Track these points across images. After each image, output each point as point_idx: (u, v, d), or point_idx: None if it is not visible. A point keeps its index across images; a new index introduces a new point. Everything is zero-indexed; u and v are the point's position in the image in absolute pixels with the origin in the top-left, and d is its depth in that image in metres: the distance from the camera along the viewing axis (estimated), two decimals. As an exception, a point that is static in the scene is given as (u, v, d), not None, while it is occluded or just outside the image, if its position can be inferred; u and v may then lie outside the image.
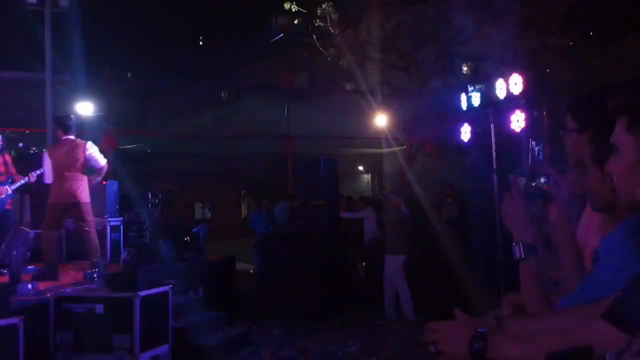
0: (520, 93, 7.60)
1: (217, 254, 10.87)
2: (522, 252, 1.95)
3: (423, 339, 1.76)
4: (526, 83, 7.56)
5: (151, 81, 19.64)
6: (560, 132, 2.03)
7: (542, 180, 2.06)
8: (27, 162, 8.88)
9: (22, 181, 8.25)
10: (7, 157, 8.39)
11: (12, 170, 8.33)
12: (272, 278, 9.98)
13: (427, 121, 14.44)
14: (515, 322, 1.75)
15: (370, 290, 11.20)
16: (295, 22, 15.17)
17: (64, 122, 7.63)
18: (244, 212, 18.13)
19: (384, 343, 8.05)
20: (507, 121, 7.87)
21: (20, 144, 12.02)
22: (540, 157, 2.12)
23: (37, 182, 8.49)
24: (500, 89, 7.86)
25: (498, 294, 7.20)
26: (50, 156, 7.78)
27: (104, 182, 9.73)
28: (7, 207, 8.34)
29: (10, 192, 8.18)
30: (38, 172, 8.34)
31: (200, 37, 27.59)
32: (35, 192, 9.20)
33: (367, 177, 23.16)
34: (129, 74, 18.68)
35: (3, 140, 8.40)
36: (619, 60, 13.36)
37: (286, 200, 13.12)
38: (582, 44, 14.55)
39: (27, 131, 14.22)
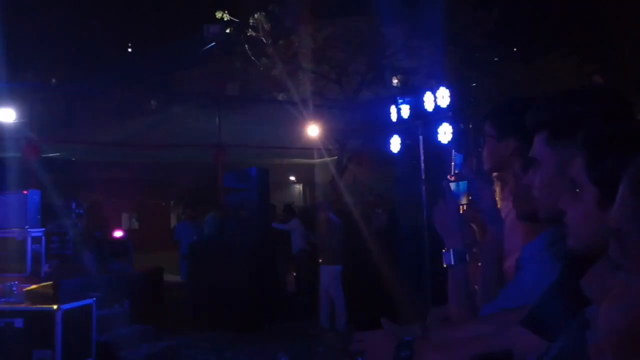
0: (448, 106, 7.78)
1: (144, 265, 10.61)
2: (453, 258, 1.98)
3: (351, 349, 1.75)
4: (453, 96, 7.74)
5: (77, 87, 19.06)
6: (479, 137, 2.08)
7: (465, 190, 2.10)
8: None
9: None
10: None
11: None
12: (202, 289, 9.82)
13: (358, 132, 14.61)
14: (441, 330, 1.78)
15: (300, 300, 11.19)
16: (228, 31, 15.08)
17: None
18: (173, 223, 17.77)
19: (314, 353, 8.05)
20: (435, 133, 8.03)
21: None
22: (462, 168, 2.17)
23: None
24: (429, 101, 8.02)
25: (426, 303, 7.34)
26: None
27: (25, 192, 9.33)
28: None
29: None
30: None
31: (130, 44, 27.02)
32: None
33: (299, 188, 23.18)
34: (53, 80, 18.06)
35: None
36: (540, 76, 13.93)
37: (215, 211, 12.95)
38: (507, 60, 15.11)
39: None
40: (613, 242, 0.50)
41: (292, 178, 22.70)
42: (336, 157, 15.41)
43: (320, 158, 16.35)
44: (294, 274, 12.07)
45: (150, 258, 12.66)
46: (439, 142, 8.02)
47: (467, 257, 2.00)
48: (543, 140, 1.46)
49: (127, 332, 7.61)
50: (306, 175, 19.72)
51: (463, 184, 2.12)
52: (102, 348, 6.62)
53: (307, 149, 16.54)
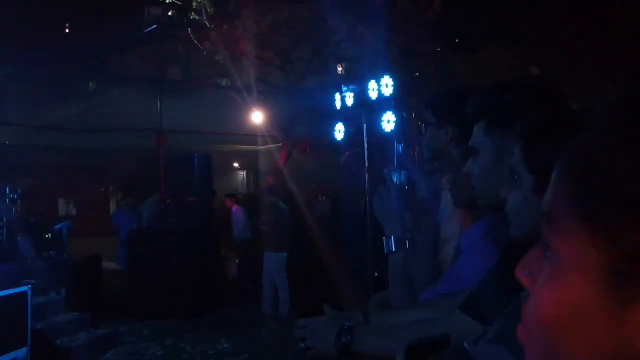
0: (391, 95, 7.85)
1: (82, 252, 10.37)
2: (393, 245, 2.00)
3: (293, 335, 1.76)
4: (396, 85, 7.82)
5: (8, 68, 18.33)
6: (419, 124, 2.11)
7: (403, 177, 2.12)
8: None
9: None
10: None
11: None
12: (141, 276, 9.67)
13: (303, 119, 14.60)
14: (381, 316, 1.81)
15: (243, 286, 11.17)
16: (170, 13, 14.78)
17: None
18: (112, 209, 17.40)
19: (256, 339, 8.06)
20: (379, 121, 8.10)
21: None
22: (402, 156, 2.20)
23: None
24: (373, 90, 8.07)
25: (368, 290, 7.42)
26: None
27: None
28: None
29: None
30: None
31: (67, 25, 26.12)
32: None
33: (242, 174, 23.03)
34: (-16, 60, 17.31)
35: None
36: (481, 68, 14.23)
37: (154, 197, 12.74)
38: (448, 51, 15.35)
39: None
40: (544, 226, 0.52)
41: (236, 165, 22.53)
42: (280, 144, 15.37)
43: (264, 145, 16.27)
44: (237, 261, 12.02)
45: (88, 245, 12.36)
46: (382, 130, 8.11)
47: (407, 244, 2.03)
48: (481, 129, 1.49)
49: (63, 320, 7.44)
50: (250, 162, 19.60)
51: (403, 173, 2.15)
52: (37, 336, 6.45)
53: (251, 136, 16.42)
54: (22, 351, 6.15)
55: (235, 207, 11.82)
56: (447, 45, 15.38)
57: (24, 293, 6.31)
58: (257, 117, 14.87)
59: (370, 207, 8.15)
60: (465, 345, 1.06)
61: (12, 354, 5.97)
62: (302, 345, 1.73)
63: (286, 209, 9.82)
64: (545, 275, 0.53)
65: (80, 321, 7.66)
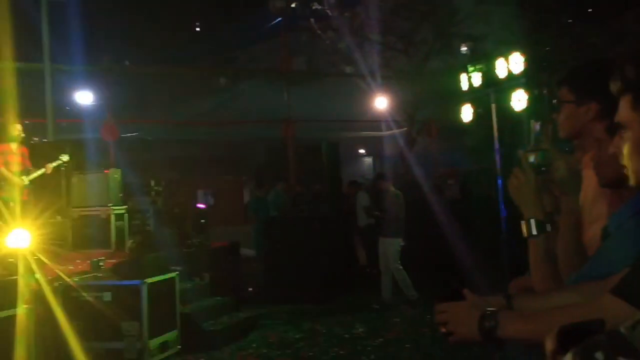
0: (521, 72, 7.59)
1: (220, 240, 10.90)
2: (533, 228, 1.95)
3: (432, 320, 1.77)
4: (527, 62, 7.54)
5: (149, 68, 19.57)
6: (553, 101, 2.02)
7: (541, 158, 2.05)
8: (41, 153, 8.83)
9: (39, 172, 8.23)
10: (24, 150, 8.35)
11: (28, 163, 8.29)
12: (277, 263, 10.03)
13: (427, 103, 14.42)
14: (525, 300, 1.77)
15: (370, 272, 11.22)
16: (293, 5, 15.09)
17: None
18: (246, 198, 18.15)
19: (390, 324, 8.11)
20: (509, 100, 7.86)
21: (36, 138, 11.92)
22: (540, 135, 2.12)
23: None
24: (501, 68, 7.84)
25: (502, 274, 7.23)
26: None
27: (106, 171, 9.74)
28: (24, 198, 8.32)
29: (26, 182, 8.15)
30: (56, 163, 8.36)
31: (197, 23, 27.42)
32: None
33: (368, 160, 23.15)
34: (126, 62, 18.60)
35: (22, 131, 8.30)
36: (618, 37, 13.31)
37: (280, 186, 13.11)
38: (581, 22, 14.48)
39: (27, 122, 14.16)
40: None
41: (362, 151, 22.68)
42: (405, 129, 15.28)
43: (389, 130, 16.24)
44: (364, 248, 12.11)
45: (226, 233, 12.97)
46: (513, 109, 7.86)
47: (549, 227, 1.97)
48: (628, 104, 1.42)
49: (208, 304, 7.88)
50: (375, 148, 19.66)
51: (540, 154, 2.08)
52: (185, 319, 6.88)
53: (376, 122, 16.46)
54: (173, 333, 6.62)
55: (359, 194, 11.90)
56: (579, 15, 14.51)
57: (173, 279, 6.78)
58: (381, 102, 14.87)
59: (504, 189, 7.94)
60: (622, 330, 1.03)
61: (165, 336, 6.44)
62: (443, 330, 1.74)
63: (400, 194, 9.60)
64: None
65: (223, 305, 8.08)
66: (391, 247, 9.29)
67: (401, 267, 9.22)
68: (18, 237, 5.37)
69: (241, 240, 11.26)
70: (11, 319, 4.87)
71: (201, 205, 10.73)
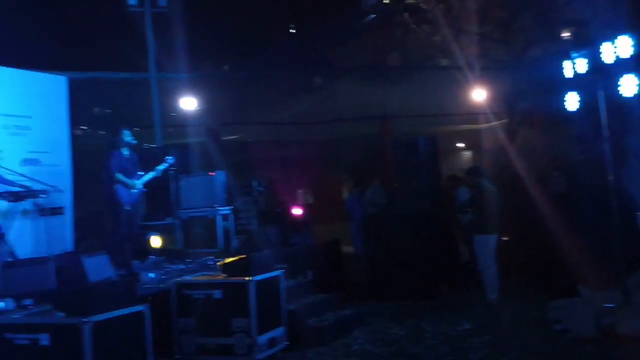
0: (631, 56, 7.22)
1: (321, 237, 11.04)
2: None
3: (543, 317, 1.75)
4: (637, 45, 7.17)
5: (246, 72, 20.11)
6: None
7: None
8: (148, 158, 9.30)
9: (151, 175, 8.71)
10: (135, 156, 8.86)
11: (139, 168, 8.78)
12: (378, 259, 10.04)
13: (528, 92, 13.94)
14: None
15: (471, 267, 10.98)
16: (386, 1, 15.04)
17: None
18: (344, 195, 18.28)
19: (498, 321, 7.92)
20: (617, 86, 7.50)
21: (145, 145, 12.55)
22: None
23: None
24: (608, 53, 7.50)
25: (615, 269, 6.84)
26: None
27: (211, 173, 10.10)
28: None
29: (141, 187, 8.65)
30: (164, 165, 8.80)
31: (291, 25, 27.87)
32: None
33: (467, 154, 22.70)
34: (225, 67, 19.21)
35: (132, 137, 8.79)
36: None
37: (377, 182, 13.08)
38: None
39: (137, 129, 14.92)
40: None
41: (461, 145, 22.27)
42: (505, 120, 14.84)
43: (486, 123, 15.85)
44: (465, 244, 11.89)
45: (325, 230, 13.12)
46: (622, 96, 7.49)
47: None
48: None
49: (312, 301, 8.01)
50: (474, 142, 19.24)
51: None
52: (291, 316, 7.04)
53: (473, 114, 16.10)
54: (280, 330, 6.78)
55: (460, 189, 11.66)
56: (693, -8, 13.57)
57: (278, 277, 6.95)
58: (479, 94, 14.53)
59: (616, 180, 7.58)
60: None
61: (272, 332, 6.61)
62: (557, 327, 1.71)
63: (493, 189, 9.18)
64: None
65: (327, 302, 8.19)
66: (483, 243, 8.92)
67: (493, 266, 8.84)
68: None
69: (341, 237, 11.37)
70: (131, 317, 5.13)
71: (298, 211, 10.89)
